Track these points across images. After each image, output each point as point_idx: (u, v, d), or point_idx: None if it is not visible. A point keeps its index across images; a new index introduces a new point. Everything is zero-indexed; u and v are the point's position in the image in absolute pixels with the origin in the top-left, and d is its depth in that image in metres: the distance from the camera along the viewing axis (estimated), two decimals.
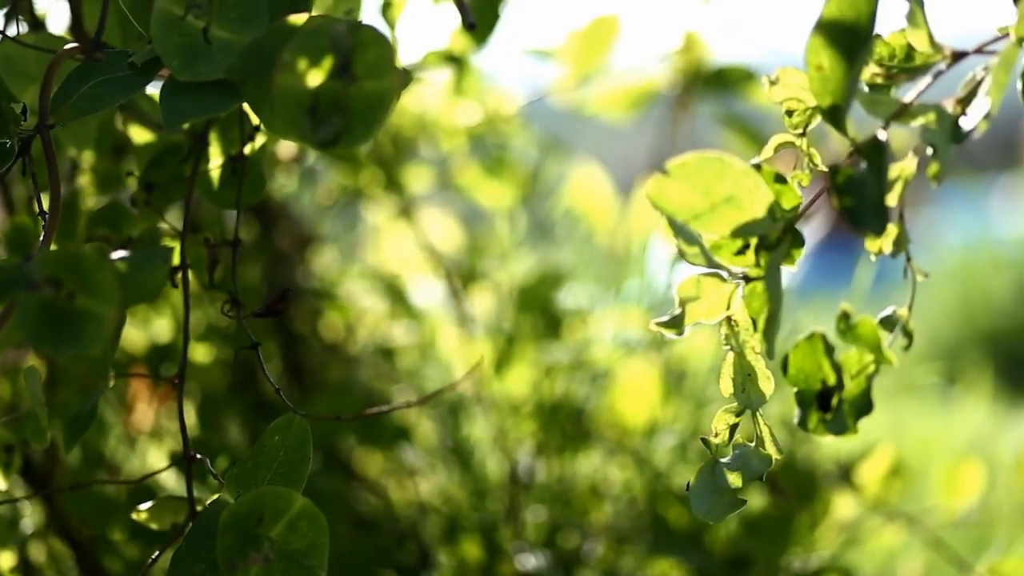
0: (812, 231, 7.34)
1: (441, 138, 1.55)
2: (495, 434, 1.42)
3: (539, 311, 1.43)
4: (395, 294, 1.51)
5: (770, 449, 0.90)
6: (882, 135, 0.83)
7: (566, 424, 1.41)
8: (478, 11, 1.37)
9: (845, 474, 1.44)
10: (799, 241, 0.86)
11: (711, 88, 1.53)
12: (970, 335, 5.40)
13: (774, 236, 0.86)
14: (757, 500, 1.42)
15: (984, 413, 3.80)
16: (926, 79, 0.87)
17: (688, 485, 0.89)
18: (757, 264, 0.87)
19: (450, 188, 1.60)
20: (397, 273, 1.55)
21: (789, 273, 0.87)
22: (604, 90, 1.55)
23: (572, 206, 1.64)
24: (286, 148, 1.44)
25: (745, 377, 0.90)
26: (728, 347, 0.90)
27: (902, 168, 0.88)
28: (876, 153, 0.83)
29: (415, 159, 1.55)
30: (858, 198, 0.82)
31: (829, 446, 1.49)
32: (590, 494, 1.43)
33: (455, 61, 1.38)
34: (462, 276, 1.48)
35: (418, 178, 1.57)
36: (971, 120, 0.85)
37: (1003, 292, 5.55)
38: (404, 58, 1.37)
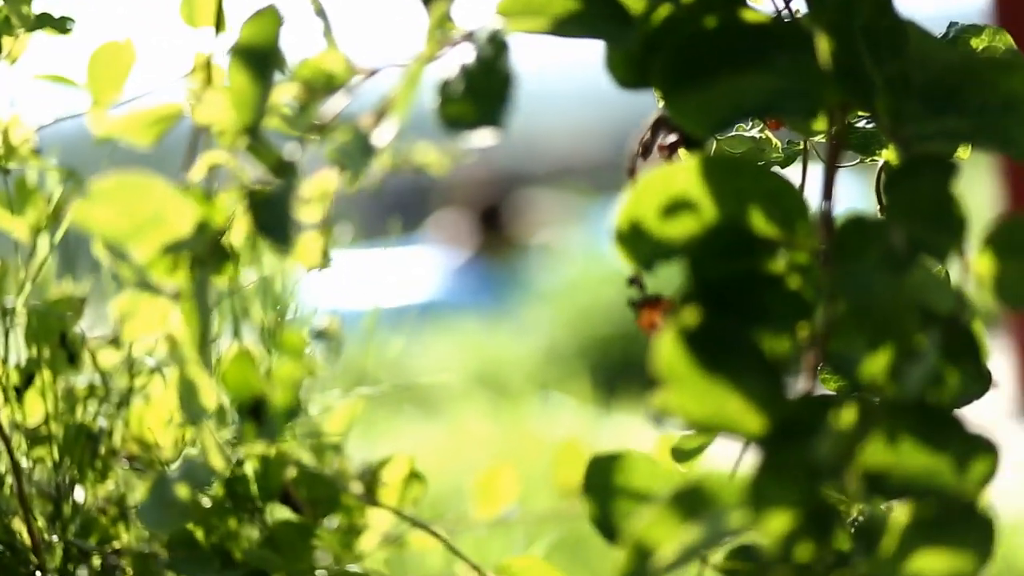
0: (456, 252, 7.48)
1: None
2: (13, 463, 1.42)
3: (55, 339, 1.43)
4: None
5: (215, 461, 0.94)
6: (291, 152, 0.87)
7: (85, 448, 1.42)
8: None
9: (368, 483, 1.48)
10: (225, 256, 0.90)
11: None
12: (583, 343, 5.59)
13: (202, 253, 0.89)
14: (283, 512, 1.45)
15: (581, 415, 3.94)
16: (343, 96, 0.91)
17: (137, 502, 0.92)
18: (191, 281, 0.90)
19: None
20: None
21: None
22: (124, 114, 1.56)
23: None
24: None
25: (188, 390, 0.93)
26: (171, 362, 0.93)
27: (322, 184, 0.92)
28: (286, 170, 0.87)
29: None
30: (270, 214, 0.86)
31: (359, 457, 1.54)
32: (115, 517, 1.44)
33: None
34: None
35: None
36: (383, 135, 0.89)
37: (613, 302, 5.77)
38: None
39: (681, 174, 0.92)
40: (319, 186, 0.91)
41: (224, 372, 0.94)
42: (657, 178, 0.93)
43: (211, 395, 0.92)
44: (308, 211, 0.89)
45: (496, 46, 0.88)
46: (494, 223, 7.53)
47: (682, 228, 0.92)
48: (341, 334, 0.97)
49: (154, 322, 0.91)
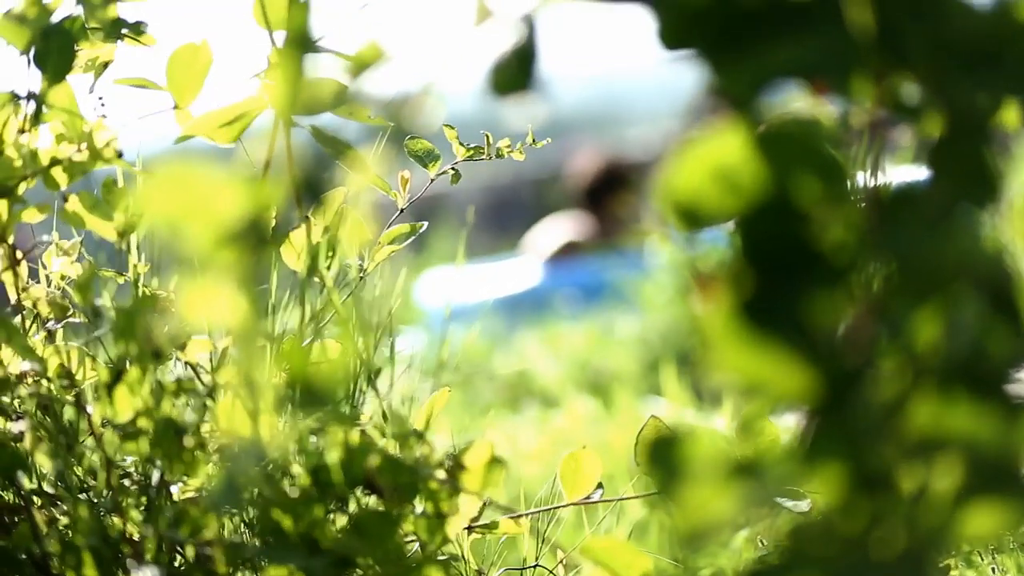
0: (566, 247, 7.48)
1: (51, 176, 1.56)
2: (105, 458, 1.44)
3: (141, 336, 1.44)
4: (10, 331, 1.52)
5: (272, 442, 0.94)
6: (333, 129, 0.87)
7: (174, 442, 1.43)
8: (53, 53, 1.40)
9: (451, 469, 1.48)
10: (272, 242, 0.90)
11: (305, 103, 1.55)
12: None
13: (249, 238, 0.90)
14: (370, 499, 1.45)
15: (681, 404, 3.90)
16: (380, 76, 0.92)
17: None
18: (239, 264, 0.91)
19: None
20: (17, 309, 1.56)
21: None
22: (204, 114, 1.57)
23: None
24: None
25: (245, 375, 0.93)
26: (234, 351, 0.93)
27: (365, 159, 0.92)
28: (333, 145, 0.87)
29: (25, 198, 1.56)
30: (310, 181, 0.87)
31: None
32: (208, 508, 1.45)
33: (30, 98, 1.39)
34: (58, 306, 1.49)
35: (30, 216, 1.58)
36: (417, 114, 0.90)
37: None
38: None
39: (729, 144, 0.92)
40: (365, 162, 0.91)
41: (288, 358, 0.94)
42: (705, 147, 0.92)
43: (276, 379, 0.93)
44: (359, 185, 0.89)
45: (531, 27, 0.89)
46: (602, 217, 7.48)
47: (730, 196, 0.91)
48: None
49: (211, 307, 0.91)
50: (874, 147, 0.93)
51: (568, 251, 7.34)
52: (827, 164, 0.92)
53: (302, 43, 0.87)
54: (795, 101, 1.10)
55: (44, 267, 1.63)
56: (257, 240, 0.89)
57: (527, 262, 7.47)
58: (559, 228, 7.49)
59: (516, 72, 0.86)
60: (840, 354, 0.87)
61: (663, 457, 1.00)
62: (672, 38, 0.97)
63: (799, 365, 0.86)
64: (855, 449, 0.84)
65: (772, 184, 0.91)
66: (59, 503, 1.53)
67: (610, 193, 7.37)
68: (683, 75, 1.02)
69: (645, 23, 0.96)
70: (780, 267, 0.89)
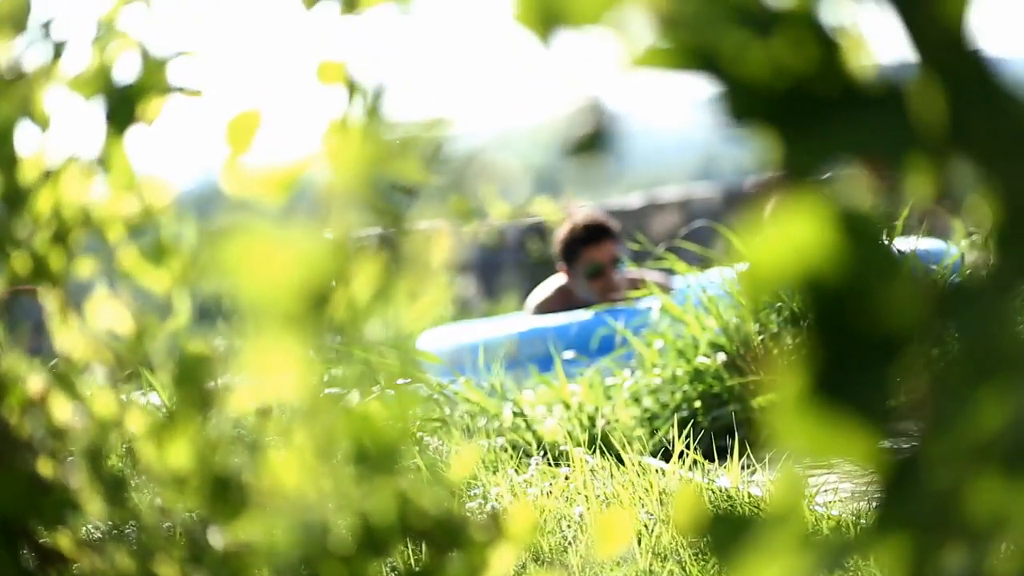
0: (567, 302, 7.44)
1: (105, 229, 1.57)
2: (159, 507, 1.45)
3: (196, 387, 1.45)
4: (61, 379, 1.53)
5: (328, 505, 0.95)
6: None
7: (226, 493, 1.43)
8: (116, 113, 1.41)
9: (494, 523, 1.49)
10: (330, 305, 0.91)
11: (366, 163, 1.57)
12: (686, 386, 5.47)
13: (310, 301, 0.91)
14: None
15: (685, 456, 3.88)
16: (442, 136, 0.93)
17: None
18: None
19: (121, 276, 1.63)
20: (67, 359, 1.57)
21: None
22: (256, 173, 1.58)
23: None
24: None
25: (305, 432, 0.94)
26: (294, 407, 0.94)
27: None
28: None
29: (80, 250, 1.57)
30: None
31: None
32: (254, 559, 1.45)
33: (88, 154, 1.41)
34: (122, 358, 1.50)
35: (83, 268, 1.59)
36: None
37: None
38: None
39: (802, 225, 0.93)
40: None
41: (336, 416, 0.95)
42: (781, 225, 0.94)
43: (322, 436, 0.94)
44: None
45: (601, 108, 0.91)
46: (577, 274, 7.40)
47: (802, 276, 0.93)
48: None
49: (274, 363, 0.92)
50: (931, 229, 0.95)
51: (560, 303, 7.28)
52: (891, 253, 0.93)
53: (368, 106, 0.88)
54: (853, 178, 1.12)
55: (89, 317, 1.64)
56: (322, 301, 0.90)
57: (522, 318, 7.42)
58: (554, 283, 7.45)
59: (592, 142, 0.88)
60: (905, 432, 0.88)
61: (726, 532, 1.01)
62: (740, 112, 0.98)
63: (868, 439, 0.87)
64: (919, 529, 0.85)
65: (843, 268, 0.93)
66: (104, 550, 1.54)
67: (590, 248, 7.26)
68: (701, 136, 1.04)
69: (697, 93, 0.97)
70: (850, 345, 0.91)
